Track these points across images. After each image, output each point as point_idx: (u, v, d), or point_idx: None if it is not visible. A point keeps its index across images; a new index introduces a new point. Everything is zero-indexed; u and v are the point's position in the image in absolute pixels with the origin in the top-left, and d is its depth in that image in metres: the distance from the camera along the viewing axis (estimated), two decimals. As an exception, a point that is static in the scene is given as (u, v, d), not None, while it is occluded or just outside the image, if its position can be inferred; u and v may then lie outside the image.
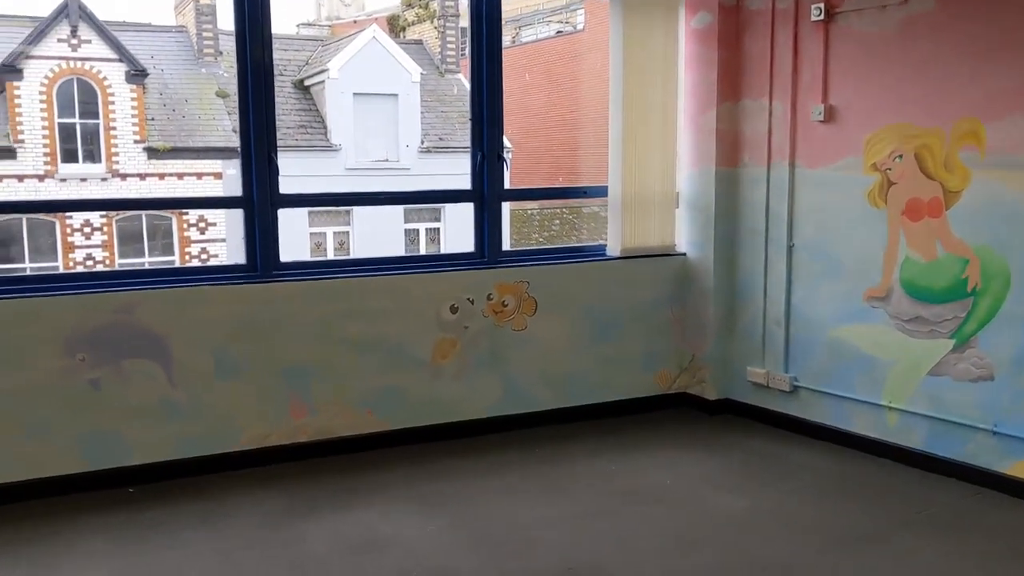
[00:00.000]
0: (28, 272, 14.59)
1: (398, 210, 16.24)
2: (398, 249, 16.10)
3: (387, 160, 16.56)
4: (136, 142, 15.67)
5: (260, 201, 4.23)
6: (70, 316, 3.82)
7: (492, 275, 4.65)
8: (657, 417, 5.00)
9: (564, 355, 4.83)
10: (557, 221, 18.94)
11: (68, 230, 15.12)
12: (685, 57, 4.96)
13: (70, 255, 14.98)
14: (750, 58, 4.79)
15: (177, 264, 14.96)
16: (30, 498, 3.77)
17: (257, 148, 4.20)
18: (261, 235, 4.25)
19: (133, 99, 15.70)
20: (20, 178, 14.89)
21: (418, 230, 16.94)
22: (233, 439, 4.16)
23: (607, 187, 4.94)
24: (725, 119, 4.87)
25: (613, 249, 4.96)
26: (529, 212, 18.43)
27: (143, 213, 15.30)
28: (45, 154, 15.16)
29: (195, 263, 15.04)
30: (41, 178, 15.06)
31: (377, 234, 15.19)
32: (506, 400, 4.71)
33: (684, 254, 5.10)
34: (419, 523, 3.63)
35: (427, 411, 4.54)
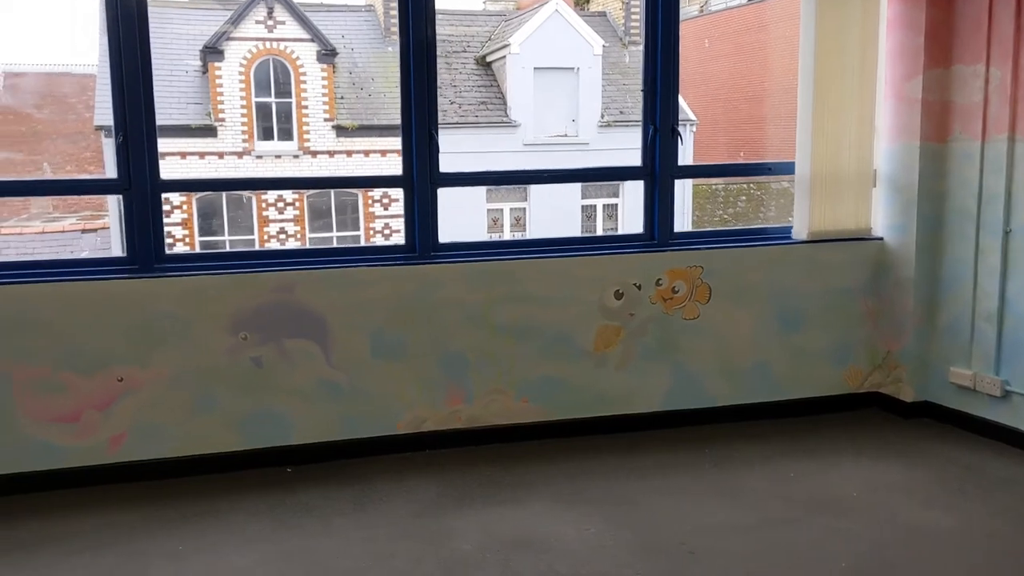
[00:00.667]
0: (227, 245, 15.51)
1: (575, 186, 16.02)
2: (574, 226, 15.89)
3: (565, 135, 16.34)
4: (325, 120, 16.21)
5: (420, 180, 4.09)
6: (234, 294, 3.83)
7: (662, 259, 4.33)
8: (844, 418, 4.53)
9: (741, 347, 4.45)
10: (743, 198, 18.14)
11: (263, 205, 15.86)
12: (888, 18, 4.41)
13: (264, 229, 15.73)
14: (963, 18, 4.19)
15: (362, 239, 15.41)
16: (192, 474, 3.82)
17: (418, 125, 4.06)
18: (420, 215, 4.12)
19: (324, 78, 16.22)
20: (221, 155, 15.74)
21: (595, 206, 16.65)
22: (389, 423, 4.07)
23: (794, 163, 4.48)
24: (932, 88, 4.30)
25: (799, 232, 4.51)
26: (714, 188, 17.75)
27: (331, 189, 15.83)
28: (243, 132, 15.94)
29: (378, 239, 15.44)
30: (240, 155, 15.85)
31: (554, 211, 15.04)
32: (674, 394, 4.39)
33: (881, 239, 4.57)
34: (576, 524, 3.40)
35: (588, 403, 4.30)
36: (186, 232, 15.75)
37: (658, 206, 4.37)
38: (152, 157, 3.80)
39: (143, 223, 3.81)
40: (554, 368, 4.24)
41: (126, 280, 3.75)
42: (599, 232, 16.08)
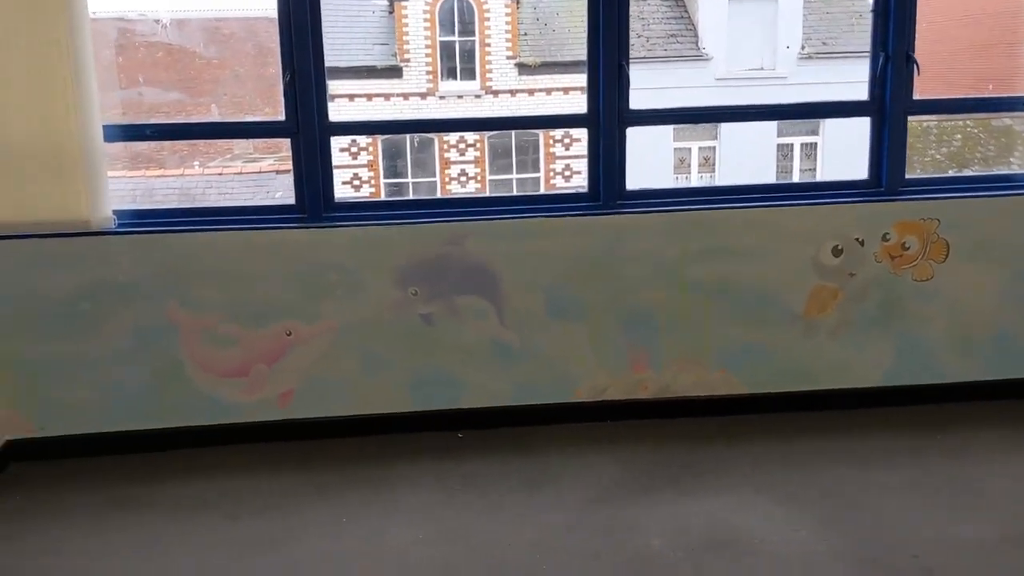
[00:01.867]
0: (410, 188, 15.59)
1: (770, 123, 14.95)
2: (768, 166, 14.87)
3: (761, 68, 15.24)
4: (508, 58, 15.86)
5: (607, 119, 3.63)
6: (403, 246, 3.54)
7: (890, 209, 3.68)
8: (1111, 404, 3.77)
9: (981, 315, 3.75)
10: (959, 136, 16.42)
11: (445, 146, 15.79)
12: None
13: (446, 171, 15.69)
14: None
15: (541, 182, 15.07)
16: (359, 433, 3.60)
17: (606, 57, 3.58)
18: (606, 157, 3.66)
19: (507, 15, 15.85)
20: (405, 96, 15.75)
21: (792, 145, 15.52)
22: (567, 390, 3.70)
23: (1060, 95, 3.68)
24: None
25: (1059, 179, 3.72)
26: (925, 125, 16.14)
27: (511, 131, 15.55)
28: (428, 72, 15.86)
29: (559, 180, 15.06)
30: (423, 96, 15.82)
31: (746, 149, 14.11)
32: (901, 368, 3.76)
33: None
34: (784, 523, 2.92)
35: (796, 375, 3.75)
36: (371, 174, 15.94)
37: (887, 147, 3.70)
38: (321, 98, 3.53)
39: (311, 168, 3.56)
40: (756, 334, 3.71)
41: (294, 230, 3.52)
42: (795, 174, 15.00)
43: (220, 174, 16.53)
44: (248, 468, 3.38)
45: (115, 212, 3.45)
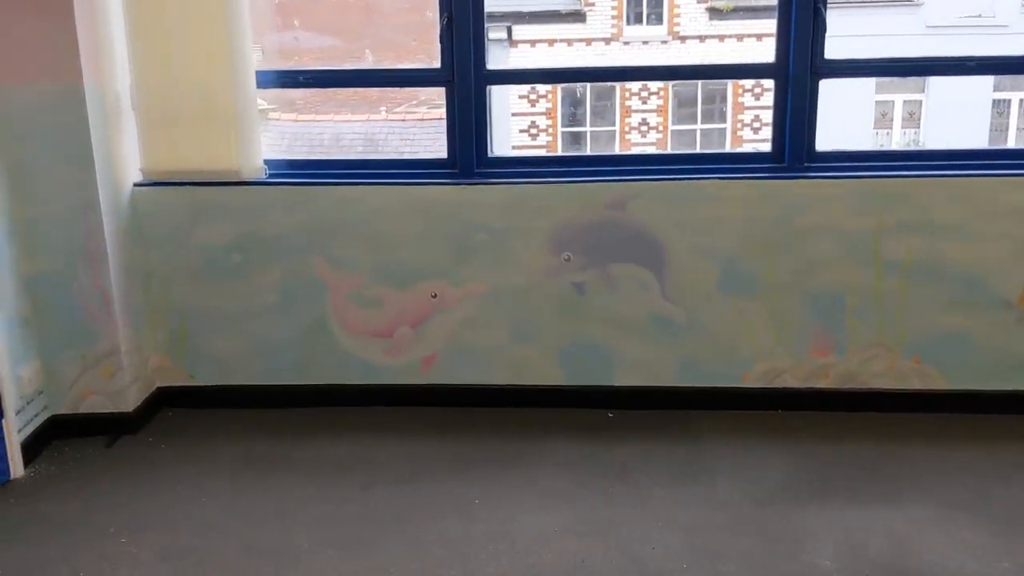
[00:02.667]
0: (588, 137, 15.23)
1: (986, 76, 13.51)
2: (982, 123, 13.49)
3: (979, 16, 13.75)
4: (699, 2, 15.09)
5: (797, 69, 3.19)
6: (558, 207, 3.27)
7: None
8: None
9: None
10: None
11: (626, 94, 15.29)
12: None
13: (626, 120, 15.21)
14: None
15: (728, 134, 14.35)
16: (502, 404, 3.40)
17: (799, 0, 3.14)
18: (794, 114, 3.23)
19: (701, -45, 15.07)
20: (588, 41, 15.32)
21: (1008, 100, 14.00)
22: (734, 373, 3.34)
23: None
24: None
25: None
26: None
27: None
28: (612, 17, 15.34)
29: (746, 132, 14.29)
30: (607, 41, 15.33)
31: (957, 104, 12.82)
32: None
33: None
34: (985, 549, 2.48)
35: (1006, 372, 3.23)
36: (549, 122, 15.67)
37: None
38: (479, 44, 3.28)
39: (466, 121, 3.33)
40: (960, 321, 3.21)
41: (443, 186, 3.31)
42: (1012, 135, 13.53)
43: (403, 120, 16.77)
44: (387, 433, 3.25)
45: (267, 162, 3.36)
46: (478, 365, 3.40)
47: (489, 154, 3.37)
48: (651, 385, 3.37)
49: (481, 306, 3.35)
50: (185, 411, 3.46)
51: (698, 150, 12.29)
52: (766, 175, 3.25)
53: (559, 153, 13.51)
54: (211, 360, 3.45)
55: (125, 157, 3.26)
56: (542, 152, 14.44)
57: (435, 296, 3.36)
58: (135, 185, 3.31)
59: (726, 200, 3.22)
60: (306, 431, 3.28)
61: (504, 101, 14.81)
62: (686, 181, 3.23)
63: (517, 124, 15.19)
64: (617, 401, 3.37)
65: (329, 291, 3.37)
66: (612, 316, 3.33)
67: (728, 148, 14.28)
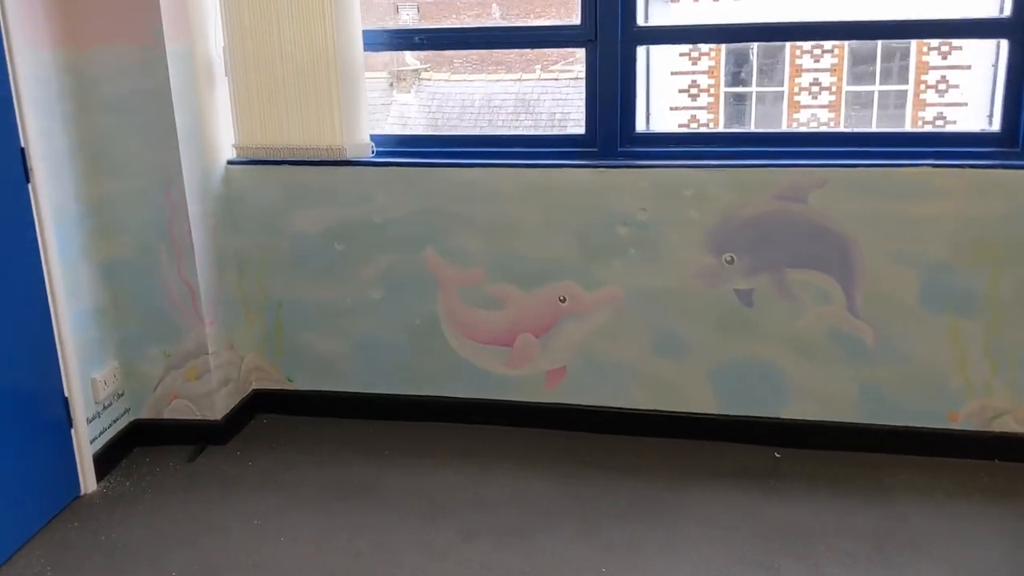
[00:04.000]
0: (753, 98, 14.17)
1: None
2: None
3: None
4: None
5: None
6: (720, 197, 2.64)
7: None
8: None
9: None
10: None
11: (797, 52, 14.09)
12: None
13: (795, 80, 14.04)
14: None
15: (908, 96, 12.97)
16: (642, 432, 2.84)
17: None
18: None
19: None
20: (761, -7, 14.21)
21: None
22: (938, 411, 2.65)
23: None
24: None
25: None
26: None
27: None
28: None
29: (929, 95, 12.88)
30: (784, -8, 14.17)
31: None
32: None
33: None
34: None
35: None
36: (712, 81, 14.66)
37: None
38: (626, -4, 2.68)
39: (608, 88, 2.74)
40: None
41: (579, 168, 2.74)
42: None
43: (556, 80, 16.17)
44: (500, 461, 2.75)
45: (374, 139, 2.89)
46: (613, 384, 2.84)
47: (636, 130, 2.78)
48: (829, 420, 2.72)
49: (619, 314, 2.78)
50: (280, 419, 3.07)
51: (906, 128, 11.06)
52: (992, 162, 2.51)
53: (722, 129, 12.56)
54: (310, 362, 3.04)
55: (216, 131, 2.85)
56: (701, 126, 13.52)
57: (564, 300, 2.81)
58: (228, 163, 2.91)
59: (938, 193, 2.51)
60: (408, 451, 2.83)
61: (663, 59, 13.90)
62: (886, 168, 2.54)
63: (677, 83, 14.26)
64: (785, 438, 2.75)
65: (441, 288, 2.89)
66: (783, 333, 2.69)
67: (909, 114, 12.93)
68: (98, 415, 2.71)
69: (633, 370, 2.82)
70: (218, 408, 2.88)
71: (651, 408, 2.83)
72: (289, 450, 2.87)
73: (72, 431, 2.58)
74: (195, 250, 2.75)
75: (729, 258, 2.68)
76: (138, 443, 2.89)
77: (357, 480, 2.67)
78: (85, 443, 2.61)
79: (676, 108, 14.27)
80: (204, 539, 2.41)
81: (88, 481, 2.64)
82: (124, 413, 2.85)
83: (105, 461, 2.72)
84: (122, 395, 2.84)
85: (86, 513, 2.54)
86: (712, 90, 14.75)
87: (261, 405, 3.09)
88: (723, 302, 2.71)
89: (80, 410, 2.59)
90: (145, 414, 2.90)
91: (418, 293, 2.90)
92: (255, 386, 3.09)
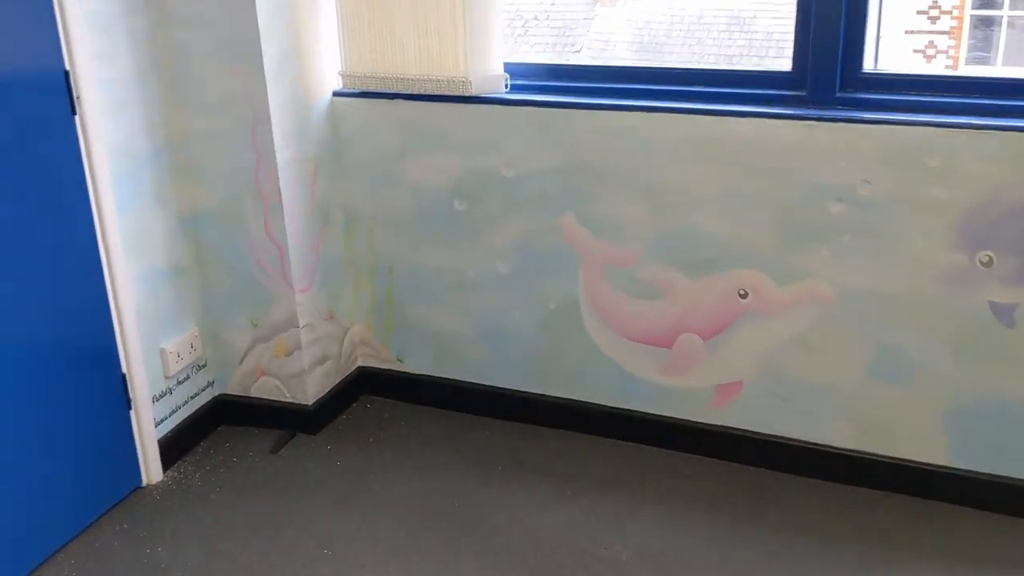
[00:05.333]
0: (1002, 22, 12.21)
1: None
2: None
3: None
4: None
5: None
6: (980, 170, 1.84)
7: None
8: None
9: None
10: None
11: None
12: None
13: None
14: None
15: None
16: (846, 480, 2.13)
17: None
18: None
19: None
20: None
21: None
22: None
23: None
24: None
25: None
26: None
27: None
28: None
29: None
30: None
31: None
32: None
33: None
34: None
35: None
36: (952, 43, 12.78)
37: None
38: None
39: (827, 9, 1.96)
40: None
41: (779, 119, 1.99)
42: None
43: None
44: (646, 497, 2.13)
45: (509, 69, 2.25)
46: (807, 411, 2.13)
47: (863, 69, 1.99)
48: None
49: (824, 319, 2.05)
50: (385, 404, 2.57)
51: None
52: None
53: (997, 72, 10.79)
54: (422, 341, 2.50)
55: (316, 56, 2.30)
56: (949, 58, 11.71)
57: (746, 295, 2.11)
58: (334, 95, 2.36)
59: None
60: (528, 468, 2.26)
61: (896, 15, 12.18)
62: None
63: (910, 44, 12.51)
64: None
65: (583, 266, 2.25)
66: (1058, 369, 1.88)
67: None
68: (169, 391, 2.30)
69: (838, 396, 2.09)
70: (310, 391, 2.41)
71: (859, 449, 2.11)
72: (386, 448, 2.36)
73: (131, 412, 2.17)
74: (283, 204, 2.24)
75: (986, 257, 1.88)
76: (224, 421, 2.48)
77: (461, 505, 2.13)
78: (148, 425, 2.21)
79: (911, 32, 12.58)
80: (261, 567, 1.95)
81: (151, 470, 2.24)
82: (206, 387, 2.43)
83: (178, 444, 2.33)
84: (204, 366, 2.42)
85: (138, 514, 2.14)
86: (951, 51, 12.79)
87: (366, 385, 2.61)
88: (972, 317, 1.92)
89: (142, 387, 2.18)
90: (231, 390, 2.47)
91: (555, 270, 2.27)
92: (360, 363, 2.60)
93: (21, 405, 1.89)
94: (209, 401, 2.44)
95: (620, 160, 2.12)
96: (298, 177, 2.28)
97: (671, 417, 2.27)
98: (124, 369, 2.14)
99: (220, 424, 2.47)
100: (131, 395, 2.16)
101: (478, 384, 2.47)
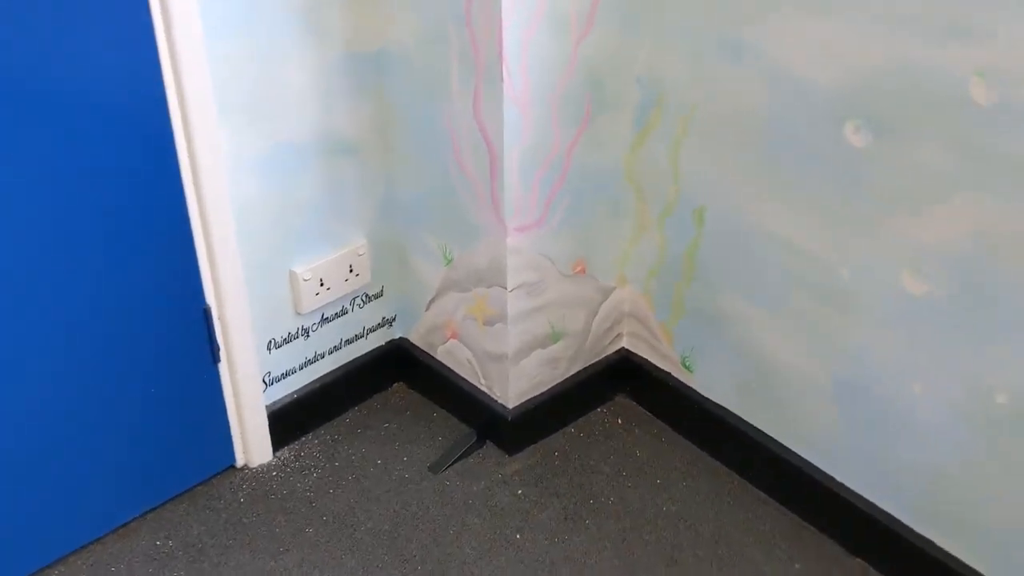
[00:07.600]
0: None
1: None
2: None
3: None
4: None
5: None
6: None
7: None
8: None
9: None
10: None
11: None
12: None
13: None
14: None
15: None
16: None
17: None
18: None
19: None
20: None
21: None
22: None
23: None
24: None
25: None
26: None
27: None
28: None
29: None
30: None
31: None
32: None
33: None
34: None
35: None
36: None
37: None
38: None
39: None
40: None
41: None
42: None
43: None
44: None
45: None
46: None
47: None
48: None
49: None
50: (642, 418, 1.51)
51: None
52: None
53: None
54: (734, 351, 1.37)
55: None
56: None
57: None
58: None
59: None
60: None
61: None
62: None
63: None
64: None
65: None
66: None
67: None
68: (305, 333, 1.44)
69: None
70: (512, 389, 1.42)
71: None
72: (620, 514, 1.34)
73: (220, 366, 1.35)
74: (505, 62, 1.16)
75: None
76: (401, 377, 1.60)
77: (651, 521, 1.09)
78: (249, 384, 1.38)
79: None
80: None
81: (256, 448, 1.44)
82: (379, 325, 1.54)
83: (328, 400, 1.51)
84: (378, 296, 1.51)
85: (217, 505, 1.38)
86: None
87: (627, 383, 1.55)
88: None
89: (242, 332, 1.34)
90: (413, 338, 1.56)
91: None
92: (625, 344, 1.54)
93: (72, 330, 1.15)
94: (388, 344, 1.56)
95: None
96: (548, 14, 1.17)
97: None
98: (209, 301, 1.30)
99: (401, 379, 1.59)
100: (220, 342, 1.33)
101: (824, 474, 1.31)
